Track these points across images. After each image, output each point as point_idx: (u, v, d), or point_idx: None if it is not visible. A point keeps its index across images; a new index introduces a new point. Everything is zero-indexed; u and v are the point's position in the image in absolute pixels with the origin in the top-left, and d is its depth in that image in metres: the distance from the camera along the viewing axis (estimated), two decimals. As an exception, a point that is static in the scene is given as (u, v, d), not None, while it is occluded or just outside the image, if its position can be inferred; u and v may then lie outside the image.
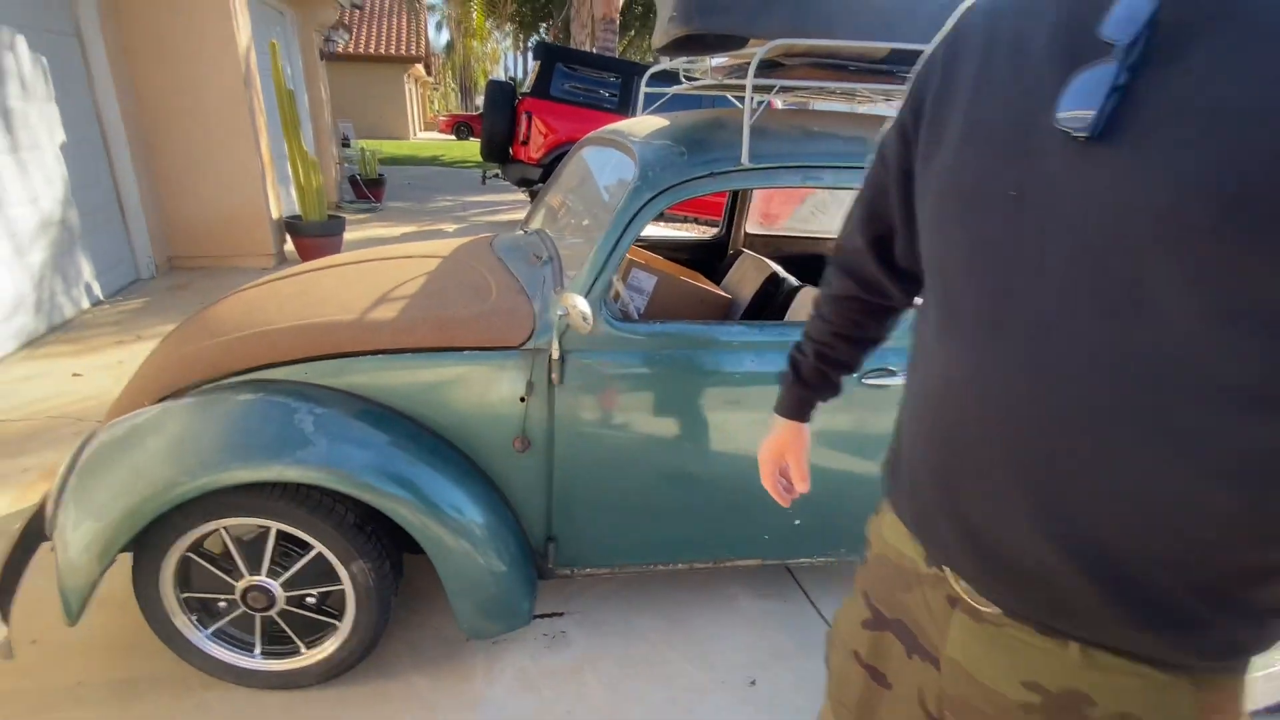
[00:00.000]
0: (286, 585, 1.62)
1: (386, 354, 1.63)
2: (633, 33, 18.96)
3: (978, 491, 0.63)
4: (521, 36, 23.25)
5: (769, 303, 2.37)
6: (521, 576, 1.69)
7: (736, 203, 2.95)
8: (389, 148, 17.20)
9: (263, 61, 5.78)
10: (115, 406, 1.80)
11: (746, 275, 2.55)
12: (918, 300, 0.79)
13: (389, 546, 1.65)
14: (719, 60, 1.91)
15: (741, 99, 1.70)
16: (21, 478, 2.51)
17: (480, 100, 28.16)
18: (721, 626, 2.02)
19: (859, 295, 0.91)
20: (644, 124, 1.96)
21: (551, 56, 7.62)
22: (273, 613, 1.65)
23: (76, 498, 1.49)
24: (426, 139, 25.81)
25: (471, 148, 19.38)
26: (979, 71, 0.62)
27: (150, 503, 1.43)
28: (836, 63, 1.74)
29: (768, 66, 1.76)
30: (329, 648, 1.68)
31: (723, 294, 2.46)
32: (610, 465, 1.73)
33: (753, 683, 1.84)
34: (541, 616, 2.02)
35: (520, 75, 29.25)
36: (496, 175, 9.81)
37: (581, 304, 1.48)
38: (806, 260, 2.94)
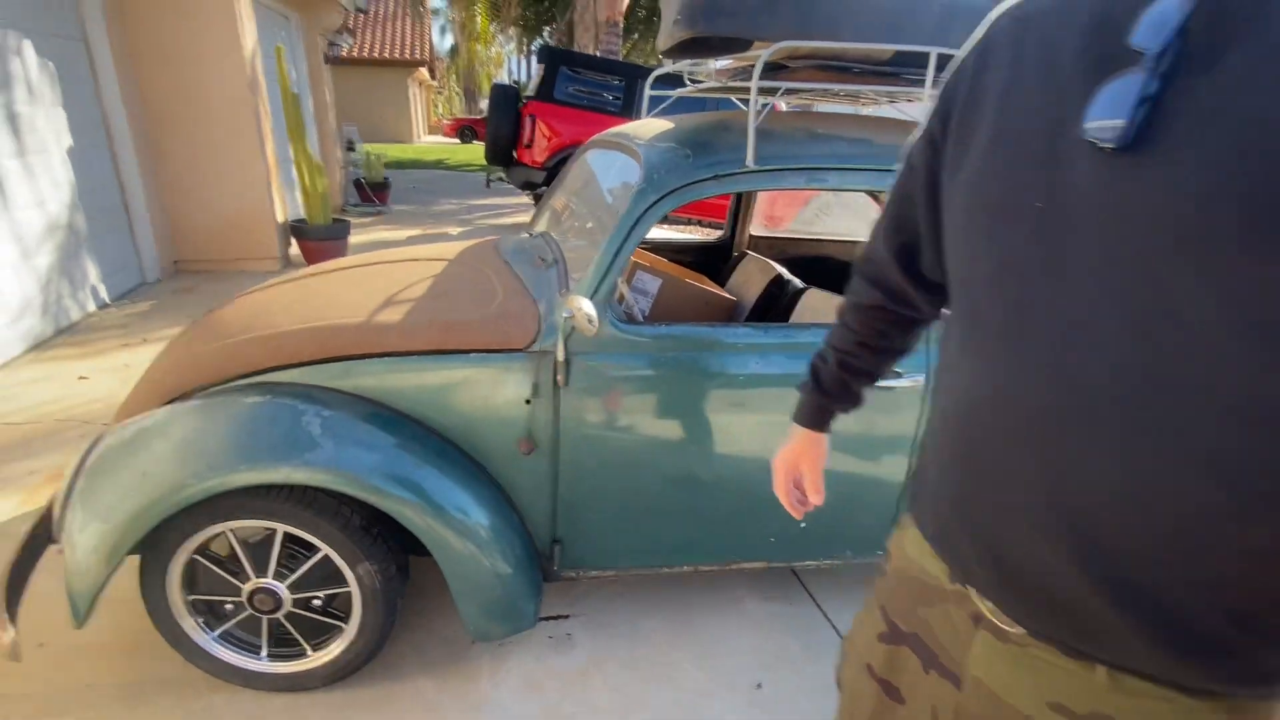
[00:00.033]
0: (293, 587, 1.63)
1: (393, 357, 1.64)
2: (636, 36, 18.98)
3: (1001, 512, 0.62)
4: (525, 40, 23.30)
5: (774, 305, 2.37)
6: (527, 579, 1.69)
7: (741, 205, 2.95)
8: (393, 151, 17.25)
9: (268, 65, 5.80)
10: (122, 409, 1.81)
11: (751, 277, 2.55)
12: (945, 311, 0.78)
13: (395, 549, 1.65)
14: (723, 63, 1.92)
15: (746, 101, 1.71)
16: (28, 480, 2.52)
17: (484, 104, 28.23)
18: (727, 629, 2.02)
19: (884, 305, 0.89)
20: (649, 127, 1.96)
21: (555, 60, 7.63)
22: (279, 615, 1.65)
23: (84, 500, 1.49)
24: (431, 142, 25.90)
25: (476, 151, 19.42)
26: (1007, 80, 0.62)
27: (157, 505, 1.43)
28: (841, 65, 1.74)
29: (772, 69, 1.77)
30: (335, 650, 1.68)
31: (727, 296, 2.46)
32: (615, 467, 1.73)
33: (759, 686, 1.83)
34: (547, 619, 2.02)
35: (524, 79, 29.31)
36: (501, 178, 9.82)
37: (587, 306, 1.48)
38: (811, 262, 2.95)
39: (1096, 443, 0.54)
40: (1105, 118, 0.51)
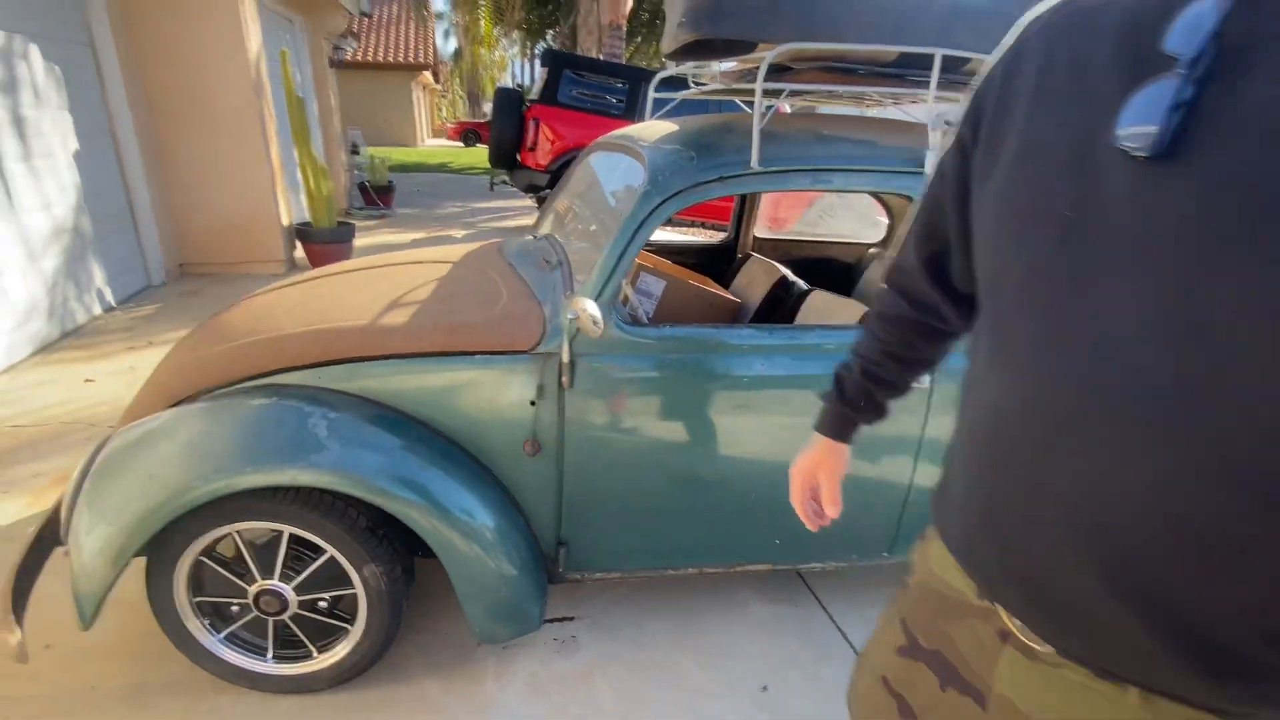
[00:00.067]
0: (299, 589, 1.63)
1: (398, 359, 1.64)
2: (639, 39, 19.00)
3: (1029, 526, 0.60)
4: (529, 44, 23.33)
5: (778, 306, 2.37)
6: (532, 581, 1.69)
7: (745, 207, 2.96)
8: (397, 155, 17.30)
9: (273, 69, 5.83)
10: (129, 412, 1.82)
11: (755, 279, 2.55)
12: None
13: (401, 550, 1.65)
14: (727, 65, 1.92)
15: (750, 103, 1.71)
16: (34, 483, 2.53)
17: (488, 107, 28.30)
18: (733, 632, 2.01)
19: (912, 315, 0.88)
20: (653, 129, 1.97)
21: (559, 63, 7.66)
22: (285, 617, 1.65)
23: (90, 502, 1.50)
24: (434, 146, 25.95)
25: (479, 154, 19.47)
26: (1037, 88, 0.61)
27: (164, 507, 1.44)
28: (845, 66, 1.74)
29: (776, 71, 1.77)
30: (341, 652, 1.68)
31: (732, 298, 2.46)
32: (620, 469, 1.73)
33: (764, 688, 1.83)
34: (552, 621, 2.01)
35: (528, 82, 29.37)
36: (504, 181, 9.84)
37: (592, 308, 1.48)
38: (815, 264, 2.95)
39: (1126, 454, 0.52)
40: (1138, 124, 0.50)
